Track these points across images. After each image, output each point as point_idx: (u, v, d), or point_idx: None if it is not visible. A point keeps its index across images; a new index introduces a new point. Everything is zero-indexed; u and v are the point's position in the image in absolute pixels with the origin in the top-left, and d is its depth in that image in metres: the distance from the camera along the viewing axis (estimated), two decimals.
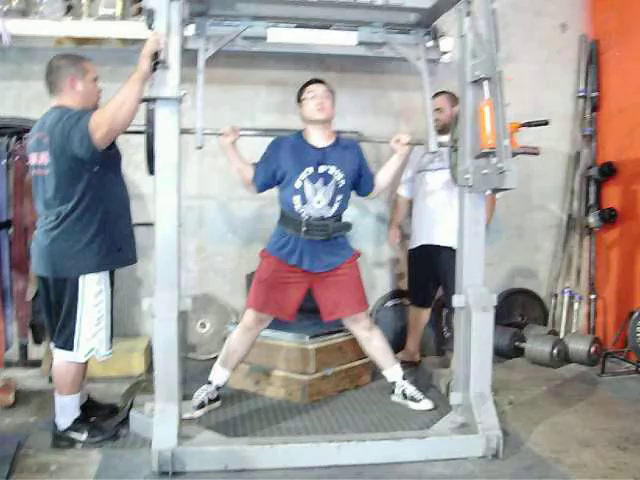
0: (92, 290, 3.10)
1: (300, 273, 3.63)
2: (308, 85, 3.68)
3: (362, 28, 3.78)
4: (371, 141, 4.32)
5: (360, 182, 3.77)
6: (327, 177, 3.60)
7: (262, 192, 3.73)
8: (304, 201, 3.59)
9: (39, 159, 3.08)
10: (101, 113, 2.86)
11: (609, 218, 5.12)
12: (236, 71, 4.81)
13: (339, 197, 3.64)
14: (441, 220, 4.25)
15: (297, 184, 3.58)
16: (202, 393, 3.56)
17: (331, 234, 3.64)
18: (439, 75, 4.37)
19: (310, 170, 3.58)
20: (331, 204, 3.63)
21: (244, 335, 3.63)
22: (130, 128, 3.03)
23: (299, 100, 3.70)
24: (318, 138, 3.66)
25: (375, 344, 3.74)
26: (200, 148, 3.22)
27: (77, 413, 3.22)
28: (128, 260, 3.33)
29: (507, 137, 2.83)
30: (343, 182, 3.63)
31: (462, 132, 3.27)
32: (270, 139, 3.77)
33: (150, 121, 3.12)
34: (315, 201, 3.59)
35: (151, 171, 3.21)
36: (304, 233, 3.58)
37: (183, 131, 3.15)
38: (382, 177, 3.80)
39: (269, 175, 3.64)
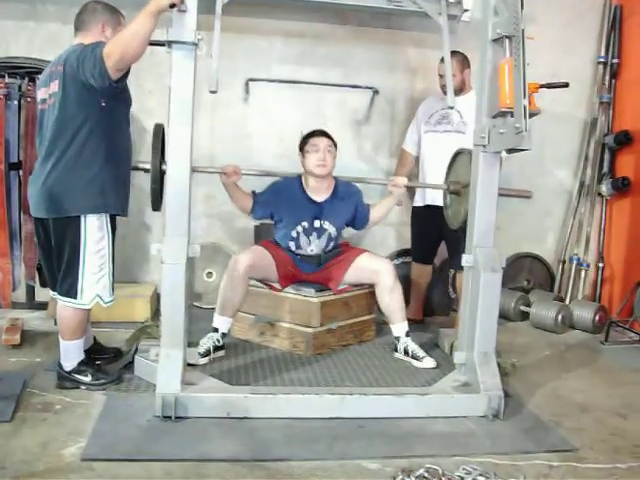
0: (94, 236, 3.07)
1: None
2: (312, 137, 3.83)
3: None
4: (370, 182, 4.36)
5: (355, 221, 4.03)
6: (321, 230, 3.87)
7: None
8: (298, 247, 3.89)
9: (48, 90, 3.06)
10: (114, 41, 2.83)
11: (622, 187, 5.09)
12: (252, 20, 4.75)
13: (331, 243, 3.93)
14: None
15: (293, 233, 3.86)
16: (208, 340, 3.58)
17: (323, 262, 3.92)
18: (458, 33, 4.31)
19: (305, 224, 3.85)
20: (324, 250, 3.91)
21: (231, 278, 3.64)
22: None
23: (301, 149, 3.85)
24: (316, 190, 3.88)
25: (395, 296, 3.78)
26: (214, 92, 3.18)
27: (82, 356, 3.24)
28: (123, 209, 3.26)
29: (526, 97, 2.78)
30: (336, 232, 3.91)
31: (480, 90, 3.22)
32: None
33: (156, 157, 3.16)
34: (309, 249, 3.90)
35: (155, 208, 3.34)
36: (298, 260, 3.89)
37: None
38: (376, 214, 4.04)
39: (267, 214, 3.96)
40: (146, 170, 3.37)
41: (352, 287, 4.00)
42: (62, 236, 3.07)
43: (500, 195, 3.31)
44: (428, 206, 4.46)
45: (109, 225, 3.15)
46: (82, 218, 3.05)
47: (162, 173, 3.19)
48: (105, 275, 3.15)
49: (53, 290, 3.29)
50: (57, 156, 3.01)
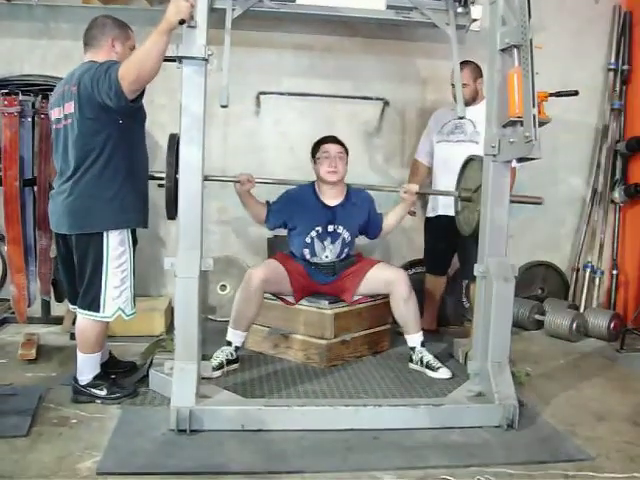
0: (116, 251, 3.10)
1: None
2: (323, 144, 3.87)
3: None
4: (382, 190, 4.32)
5: (368, 228, 4.06)
6: (335, 235, 3.89)
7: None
8: (313, 254, 3.90)
9: (63, 110, 3.08)
10: (128, 62, 2.84)
11: (634, 193, 5.07)
12: (262, 34, 4.79)
13: (346, 249, 3.95)
14: None
15: (307, 239, 3.87)
16: (221, 354, 3.60)
17: (337, 272, 3.93)
18: (467, 43, 4.31)
19: (319, 229, 3.86)
20: (338, 256, 3.93)
21: (245, 292, 3.66)
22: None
23: (313, 156, 3.90)
24: (329, 196, 3.92)
25: (410, 306, 3.80)
26: (225, 107, 3.20)
27: (98, 370, 3.25)
28: (144, 222, 3.30)
29: (535, 106, 2.79)
30: (350, 238, 3.93)
31: (490, 100, 3.24)
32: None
33: (171, 168, 3.19)
34: (323, 255, 3.91)
35: (170, 217, 3.32)
36: (313, 270, 3.90)
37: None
38: (389, 222, 4.08)
39: (280, 222, 3.97)
40: (159, 180, 3.38)
41: (367, 298, 4.00)
42: (85, 251, 3.10)
43: (511, 202, 3.31)
44: (441, 216, 4.45)
45: (130, 239, 3.18)
46: (104, 234, 3.08)
47: (177, 182, 3.13)
48: (127, 288, 3.18)
49: (72, 304, 3.32)
50: (79, 174, 3.05)
